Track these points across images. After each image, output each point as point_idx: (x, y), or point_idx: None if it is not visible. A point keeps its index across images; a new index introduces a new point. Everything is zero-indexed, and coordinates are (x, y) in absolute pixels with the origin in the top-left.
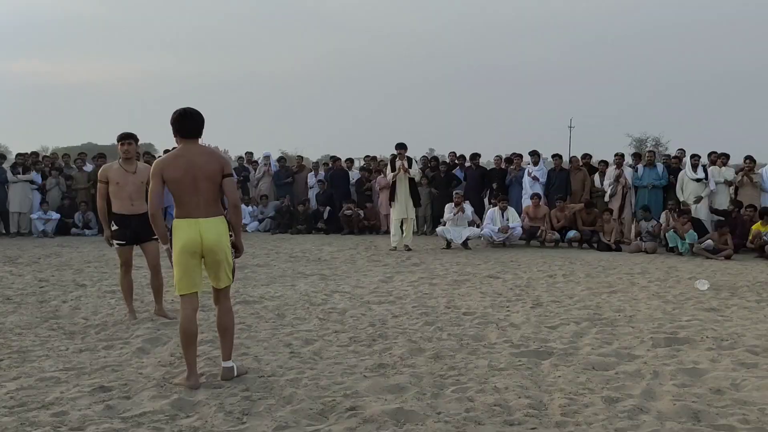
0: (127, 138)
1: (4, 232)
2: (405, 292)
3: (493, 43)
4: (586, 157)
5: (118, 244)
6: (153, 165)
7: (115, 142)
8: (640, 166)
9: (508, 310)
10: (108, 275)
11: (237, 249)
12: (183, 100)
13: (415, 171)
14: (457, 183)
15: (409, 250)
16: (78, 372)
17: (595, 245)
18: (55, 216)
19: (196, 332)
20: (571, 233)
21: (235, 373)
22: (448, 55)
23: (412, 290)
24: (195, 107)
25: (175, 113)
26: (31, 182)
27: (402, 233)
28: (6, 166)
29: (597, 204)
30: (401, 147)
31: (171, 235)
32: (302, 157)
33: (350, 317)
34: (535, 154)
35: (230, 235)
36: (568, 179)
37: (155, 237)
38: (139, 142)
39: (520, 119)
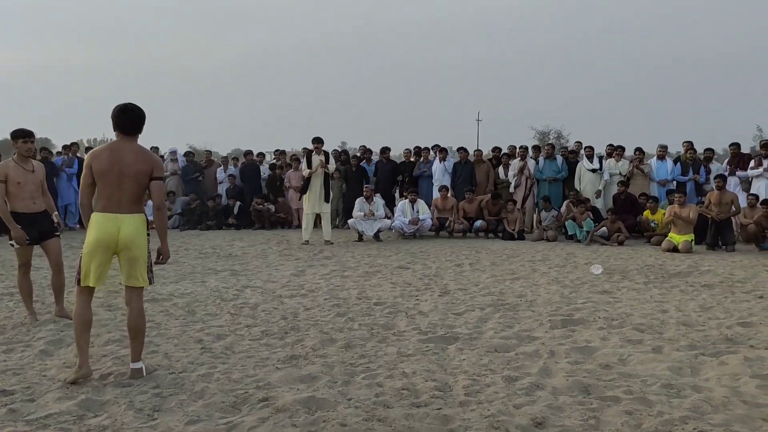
0: (29, 136)
1: None
2: (317, 285)
3: (403, 41)
4: (496, 150)
5: (19, 244)
6: (86, 155)
7: (10, 139)
8: (540, 158)
9: (417, 299)
10: (4, 277)
11: (162, 255)
12: (86, 92)
13: (333, 166)
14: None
15: (330, 243)
16: None
17: (500, 235)
18: None
19: (90, 320)
20: (478, 223)
21: (144, 374)
22: (360, 52)
23: (324, 283)
24: (94, 99)
25: (115, 108)
26: None
27: (313, 227)
28: None
29: (502, 195)
30: (318, 141)
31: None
32: (211, 152)
33: (262, 311)
34: (442, 150)
35: (149, 236)
36: (473, 171)
37: (57, 233)
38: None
39: (430, 113)
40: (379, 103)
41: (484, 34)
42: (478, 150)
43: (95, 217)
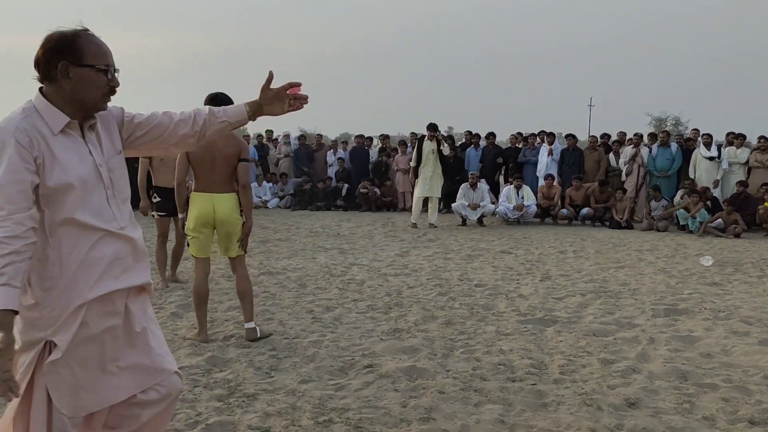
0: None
1: None
2: (420, 265)
3: (513, 25)
4: (604, 136)
5: (159, 215)
6: None
7: None
8: (654, 146)
9: (518, 283)
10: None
11: (246, 227)
12: (197, 74)
13: (447, 150)
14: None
15: (434, 227)
16: None
17: (608, 223)
18: None
19: (206, 293)
20: (585, 211)
21: (258, 334)
22: (469, 36)
23: (427, 264)
24: (218, 86)
25: (207, 96)
26: None
27: (422, 210)
28: None
29: (612, 183)
30: (432, 128)
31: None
32: (321, 136)
33: (368, 287)
34: (550, 135)
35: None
36: (581, 158)
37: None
38: None
39: (541, 98)
40: (488, 87)
41: (598, 15)
42: (593, 136)
43: (194, 196)
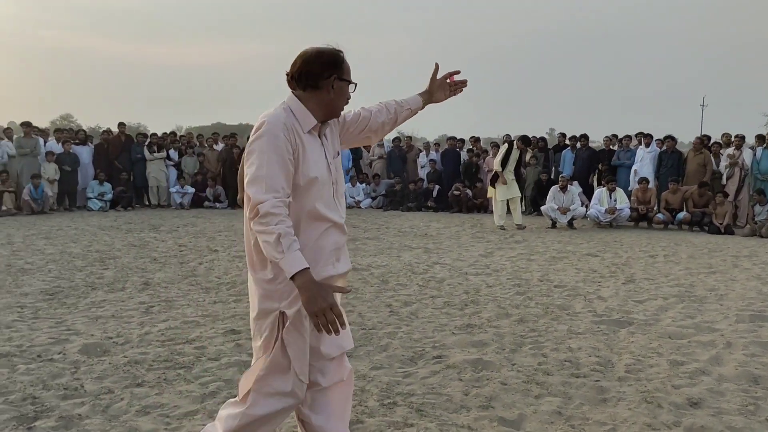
0: None
1: (147, 203)
2: (502, 265)
3: (615, 28)
4: (706, 138)
5: None
6: None
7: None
8: (759, 149)
9: (599, 285)
10: (236, 242)
11: None
12: None
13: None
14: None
15: (522, 228)
16: (213, 318)
17: (706, 228)
18: (191, 190)
19: None
20: (681, 215)
21: None
22: (569, 38)
23: (509, 264)
24: None
25: None
26: (168, 158)
27: (505, 213)
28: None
29: (713, 186)
30: (525, 142)
31: None
32: (411, 138)
33: (447, 285)
34: (647, 136)
35: None
36: (680, 160)
37: None
38: None
39: (650, 97)
40: (592, 88)
41: (713, 12)
42: (699, 138)
43: None
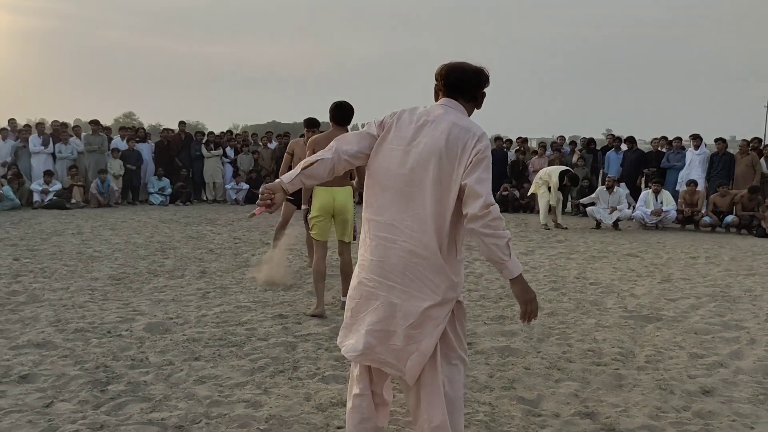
0: (315, 126)
1: (204, 199)
2: (541, 263)
3: (683, 27)
4: (755, 140)
5: (287, 199)
6: (310, 140)
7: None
8: None
9: (635, 283)
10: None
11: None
12: (361, 81)
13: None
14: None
15: (564, 228)
16: (263, 304)
17: (755, 232)
18: (245, 186)
19: (324, 272)
20: (729, 218)
21: None
22: (632, 40)
23: (548, 262)
24: (379, 89)
25: (332, 104)
26: (224, 156)
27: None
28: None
29: (764, 189)
30: (574, 183)
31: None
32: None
33: (484, 280)
34: (696, 138)
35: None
36: (732, 163)
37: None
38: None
39: (712, 100)
40: (649, 91)
41: None
42: (746, 140)
43: (317, 190)
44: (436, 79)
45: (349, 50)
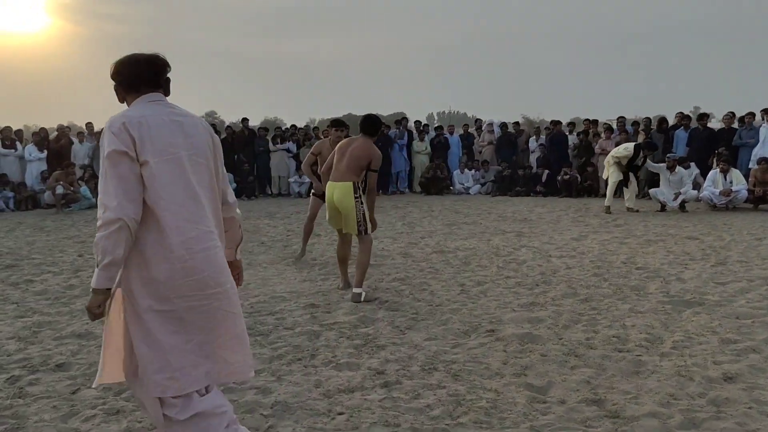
0: (341, 126)
1: (269, 192)
2: (590, 248)
3: None
4: None
5: (313, 194)
6: (340, 142)
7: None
8: None
9: (685, 267)
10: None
11: (372, 223)
12: (428, 67)
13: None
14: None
15: (636, 211)
16: (299, 294)
17: None
18: (308, 180)
19: (344, 256)
20: None
21: (362, 298)
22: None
23: (598, 247)
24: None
25: (363, 116)
26: (288, 151)
27: (617, 195)
28: (268, 137)
29: None
30: (652, 148)
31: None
32: (519, 123)
33: (526, 267)
34: None
35: (358, 199)
36: None
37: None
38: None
39: None
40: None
41: None
42: None
43: (328, 184)
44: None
45: (419, 38)
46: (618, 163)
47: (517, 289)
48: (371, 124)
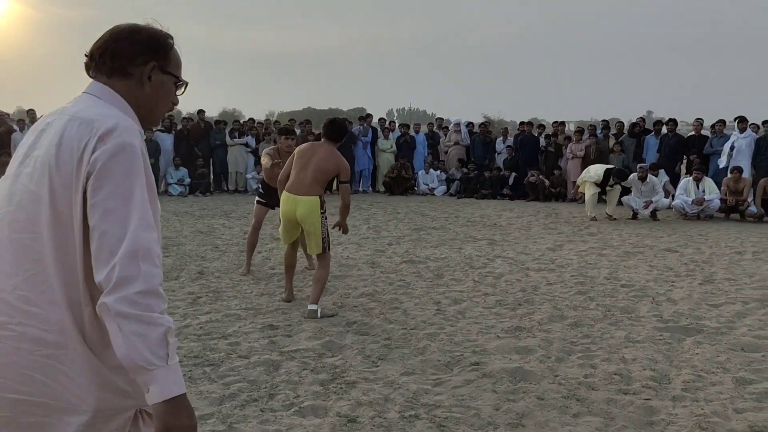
0: (290, 134)
1: (225, 189)
2: (569, 260)
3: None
4: None
5: (259, 202)
6: (296, 149)
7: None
8: None
9: (672, 285)
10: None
11: (343, 228)
12: (389, 63)
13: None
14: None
15: (614, 219)
16: (255, 311)
17: None
18: None
19: (292, 263)
20: None
21: (318, 315)
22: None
23: (577, 259)
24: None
25: (326, 120)
26: (246, 145)
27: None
28: (226, 130)
29: None
30: (622, 178)
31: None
32: (487, 123)
33: (504, 282)
34: (742, 120)
35: (323, 215)
36: None
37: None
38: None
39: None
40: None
41: None
42: None
43: (283, 195)
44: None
45: (383, 34)
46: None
47: (498, 309)
48: (336, 130)
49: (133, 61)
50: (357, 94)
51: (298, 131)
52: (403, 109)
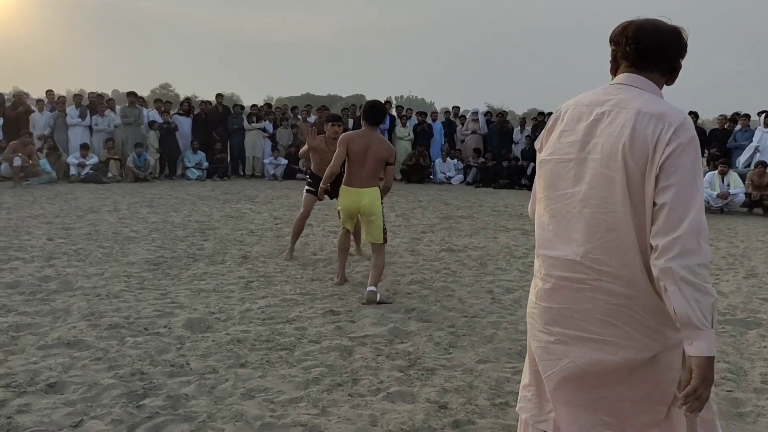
0: (338, 120)
1: (241, 174)
2: None
3: None
4: None
5: (308, 190)
6: (342, 136)
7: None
8: None
9: (718, 279)
10: (330, 217)
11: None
12: (388, 50)
13: None
14: None
15: None
16: (311, 297)
17: None
18: (284, 161)
19: (345, 247)
20: None
21: (377, 299)
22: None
23: None
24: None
25: (367, 104)
26: (264, 130)
27: None
28: (243, 115)
29: None
30: None
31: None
32: (505, 113)
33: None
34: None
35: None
36: None
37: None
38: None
39: None
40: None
41: None
42: None
43: (344, 189)
44: (616, 44)
45: (383, 20)
46: None
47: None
48: (379, 114)
49: (679, 58)
50: (356, 80)
51: (314, 117)
52: (402, 96)
